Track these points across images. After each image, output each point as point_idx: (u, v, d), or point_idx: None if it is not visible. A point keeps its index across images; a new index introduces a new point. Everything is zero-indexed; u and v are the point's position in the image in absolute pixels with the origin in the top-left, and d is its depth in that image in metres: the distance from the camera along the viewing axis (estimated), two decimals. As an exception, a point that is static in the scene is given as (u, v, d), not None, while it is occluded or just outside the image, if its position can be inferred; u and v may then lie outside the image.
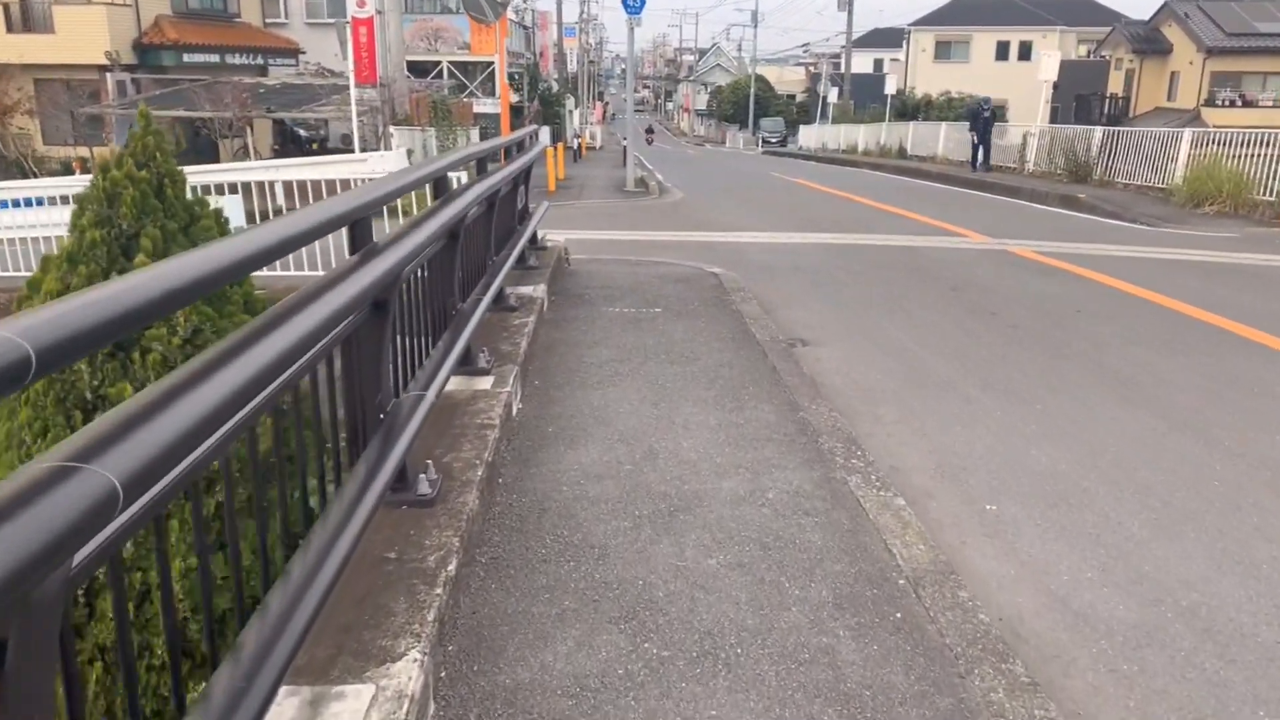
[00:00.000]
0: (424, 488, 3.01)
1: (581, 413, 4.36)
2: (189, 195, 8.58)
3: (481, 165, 5.58)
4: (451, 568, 2.64)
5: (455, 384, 4.21)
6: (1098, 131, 18.11)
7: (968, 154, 23.48)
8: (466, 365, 4.36)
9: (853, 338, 6.49)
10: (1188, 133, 15.46)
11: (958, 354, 6.06)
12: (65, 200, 10.24)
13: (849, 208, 15.14)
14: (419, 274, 3.79)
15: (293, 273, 7.93)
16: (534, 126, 8.90)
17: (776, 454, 3.89)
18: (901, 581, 2.91)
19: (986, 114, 20.05)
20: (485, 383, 4.26)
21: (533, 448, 3.92)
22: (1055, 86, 22.58)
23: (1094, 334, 6.52)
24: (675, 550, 3.04)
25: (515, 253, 6.28)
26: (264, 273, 8.19)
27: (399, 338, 3.35)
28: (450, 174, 5.34)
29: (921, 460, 4.30)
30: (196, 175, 11.28)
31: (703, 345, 5.64)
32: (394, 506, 2.96)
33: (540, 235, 8.38)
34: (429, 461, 3.12)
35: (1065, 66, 23.58)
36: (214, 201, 10.78)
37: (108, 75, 19.95)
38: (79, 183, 10.56)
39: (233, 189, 10.52)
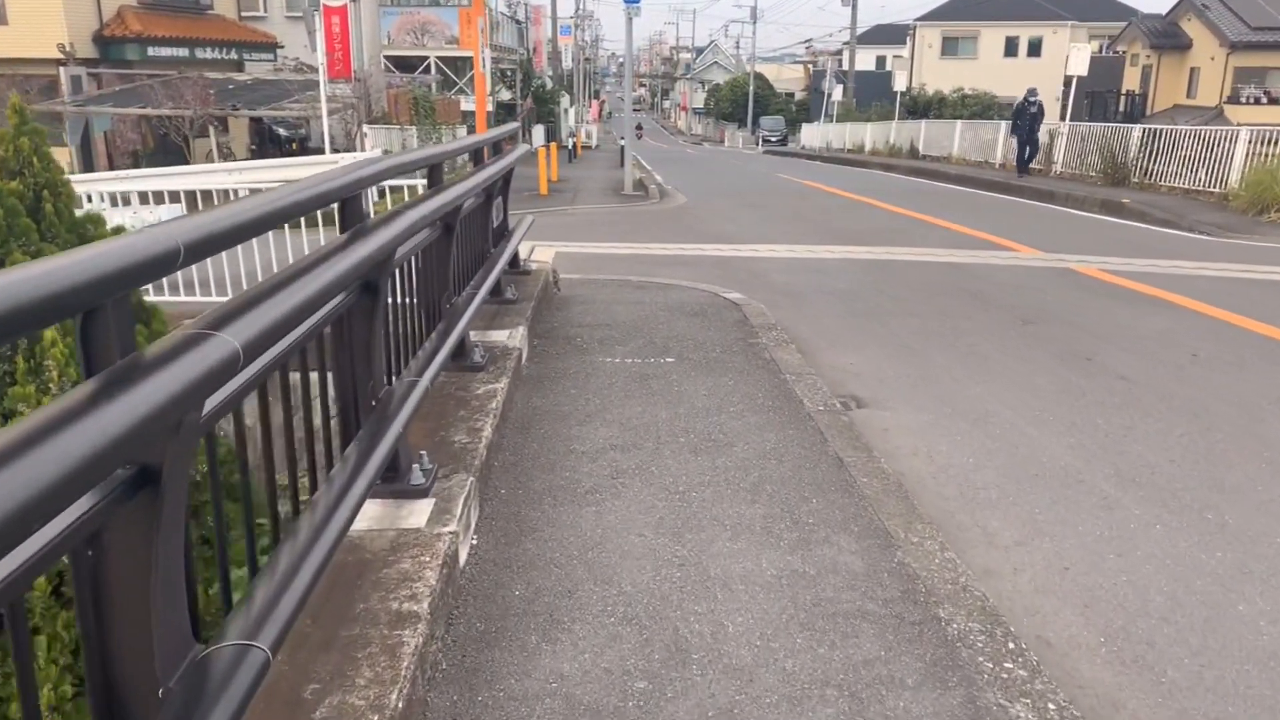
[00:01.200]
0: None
1: (567, 555, 2.89)
2: (93, 207, 6.78)
3: (435, 174, 4.13)
4: None
5: (373, 516, 2.75)
6: (1136, 130, 16.66)
7: (983, 154, 22.09)
8: (393, 481, 2.90)
9: (921, 394, 5.03)
10: (1244, 131, 14.02)
11: (1065, 422, 4.60)
12: None
13: (872, 214, 13.69)
14: (313, 346, 2.38)
15: (198, 298, 6.47)
16: (514, 125, 7.42)
17: (881, 649, 2.42)
18: None
19: (1034, 109, 18.00)
20: (419, 513, 2.79)
21: (485, 639, 2.45)
22: (1065, 84, 21.11)
23: (1234, 392, 5.06)
24: None
25: (486, 286, 4.82)
26: (164, 297, 6.72)
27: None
28: (377, 188, 3.91)
29: (1080, 625, 2.84)
30: (131, 182, 9.80)
31: (734, 418, 4.17)
32: None
33: (524, 255, 6.92)
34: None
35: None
36: (154, 213, 9.27)
37: (62, 70, 18.41)
38: None
39: (171, 198, 9.01)
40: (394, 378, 3.14)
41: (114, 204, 7.93)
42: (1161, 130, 16.03)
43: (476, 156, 5.51)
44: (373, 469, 2.47)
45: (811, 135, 40.50)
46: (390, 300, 3.19)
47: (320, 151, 20.84)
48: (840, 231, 11.56)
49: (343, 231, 2.70)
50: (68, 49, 18.29)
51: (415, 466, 2.94)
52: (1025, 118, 18.06)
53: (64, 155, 19.32)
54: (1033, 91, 18.25)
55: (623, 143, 22.34)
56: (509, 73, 36.07)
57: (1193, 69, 33.38)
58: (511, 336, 4.89)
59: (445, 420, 3.64)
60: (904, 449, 4.26)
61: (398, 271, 3.30)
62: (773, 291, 7.57)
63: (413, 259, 3.56)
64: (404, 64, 28.07)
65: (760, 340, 5.59)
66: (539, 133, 28.59)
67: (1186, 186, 14.95)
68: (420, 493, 2.90)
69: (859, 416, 4.61)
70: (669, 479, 3.46)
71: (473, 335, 4.83)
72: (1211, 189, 14.35)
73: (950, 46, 44.27)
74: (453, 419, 3.66)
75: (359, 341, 2.73)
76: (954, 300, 7.38)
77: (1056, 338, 6.19)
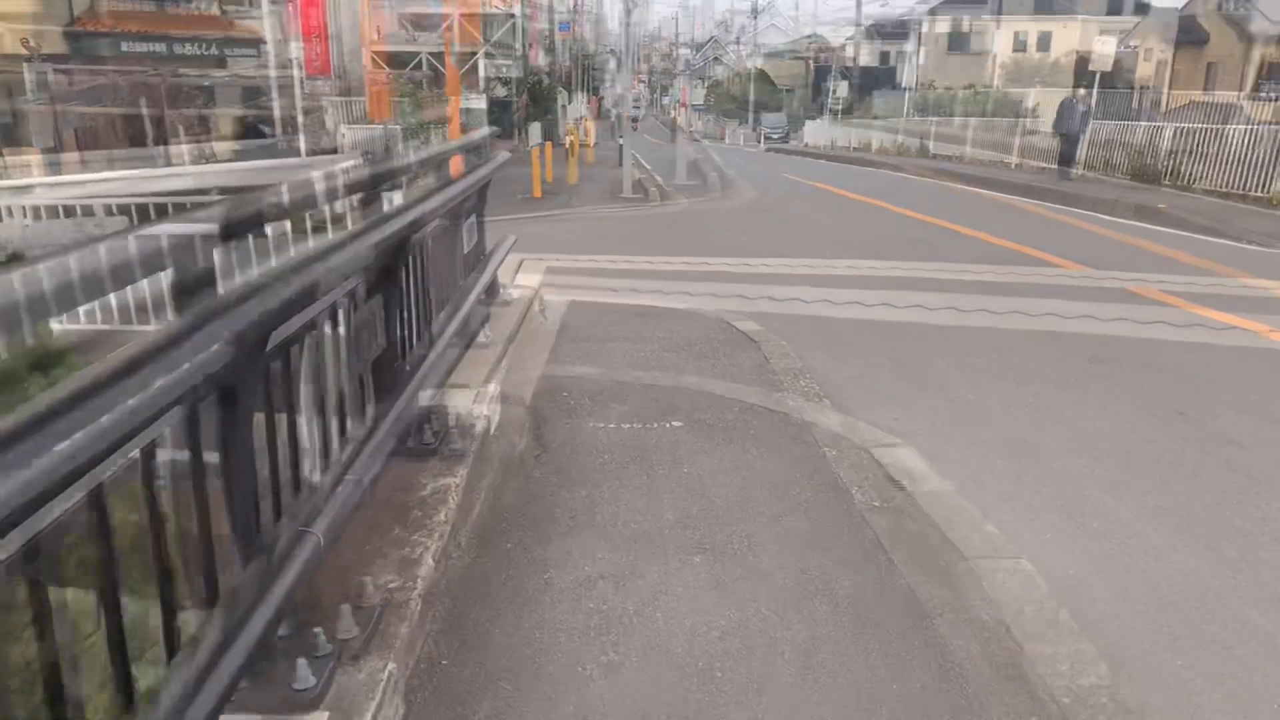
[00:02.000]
0: None
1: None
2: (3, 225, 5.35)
3: (369, 201, 3.16)
4: None
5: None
6: (1168, 128, 15.65)
7: (999, 154, 21.07)
8: (266, 684, 1.91)
9: (990, 466, 4.04)
10: (1291, 130, 13.03)
11: (1179, 513, 3.61)
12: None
13: (890, 221, 12.68)
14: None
15: (100, 326, 5.49)
16: (486, 130, 6.43)
17: None
18: None
19: (1083, 108, 16.70)
20: (300, 750, 1.80)
21: None
22: (1075, 79, 20.13)
23: (1383, 465, 4.07)
24: None
25: (449, 332, 3.84)
26: (64, 324, 5.70)
27: None
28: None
29: None
30: (59, 189, 8.78)
31: (766, 524, 3.17)
32: None
33: (507, 280, 5.93)
34: None
35: (1089, 58, 20.91)
36: (99, 228, 8.21)
37: (26, 66, 17.37)
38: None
39: (106, 210, 7.97)
40: (283, 511, 2.16)
41: (36, 219, 6.93)
42: (1196, 129, 15.03)
43: (440, 169, 4.52)
44: (227, 678, 1.49)
45: (815, 133, 39.42)
46: (284, 388, 2.22)
47: (316, 152, 19.80)
48: (861, 244, 10.55)
49: (180, 311, 1.72)
50: (32, 45, 17.26)
51: (302, 661, 1.95)
52: (1074, 116, 16.77)
53: (32, 156, 18.31)
54: (1082, 86, 17.08)
55: (621, 141, 21.31)
56: (505, 68, 34.98)
57: (1209, 64, 32.36)
58: (479, 398, 3.89)
59: (371, 544, 2.64)
60: (982, 557, 3.26)
61: (296, 349, 2.32)
62: (793, 320, 6.57)
63: (327, 323, 2.57)
64: (396, 60, 27.02)
65: (786, 394, 4.60)
66: (535, 130, 27.55)
67: (1224, 189, 13.95)
68: (308, 704, 1.91)
69: (922, 502, 3.62)
70: (683, 639, 2.46)
71: (427, 397, 3.85)
72: (1252, 192, 13.37)
73: (957, 41, 43.30)
74: (383, 540, 2.66)
75: (209, 477, 1.75)
76: (1004, 332, 6.38)
77: (1137, 384, 5.20)
